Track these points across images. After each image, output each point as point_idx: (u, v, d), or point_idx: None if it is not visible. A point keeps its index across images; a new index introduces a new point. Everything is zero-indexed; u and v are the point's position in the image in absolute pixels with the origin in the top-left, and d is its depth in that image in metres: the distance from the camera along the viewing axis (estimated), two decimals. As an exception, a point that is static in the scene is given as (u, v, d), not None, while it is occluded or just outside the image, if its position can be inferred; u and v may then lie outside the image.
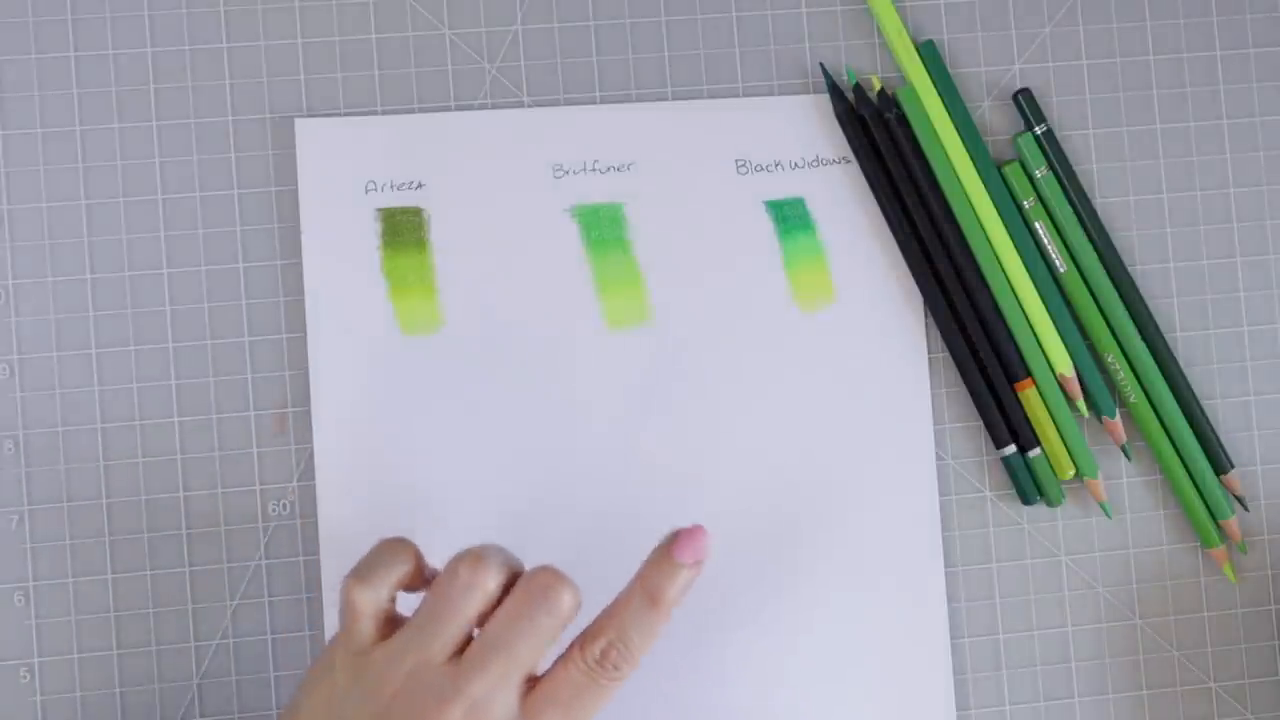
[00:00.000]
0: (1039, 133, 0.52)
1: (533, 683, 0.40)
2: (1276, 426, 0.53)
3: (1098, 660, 0.52)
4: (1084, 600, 0.52)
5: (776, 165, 0.51)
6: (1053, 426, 0.51)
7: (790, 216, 0.51)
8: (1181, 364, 0.52)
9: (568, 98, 0.51)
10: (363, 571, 0.41)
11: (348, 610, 0.41)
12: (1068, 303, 0.52)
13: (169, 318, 0.50)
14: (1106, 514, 0.52)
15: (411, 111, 0.51)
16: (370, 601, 0.41)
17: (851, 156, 0.51)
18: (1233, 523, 0.52)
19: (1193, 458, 0.51)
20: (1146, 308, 0.52)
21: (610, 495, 0.50)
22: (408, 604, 0.42)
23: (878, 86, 0.51)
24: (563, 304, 0.51)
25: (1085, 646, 0.52)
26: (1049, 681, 0.52)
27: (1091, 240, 0.52)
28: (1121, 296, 0.52)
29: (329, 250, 0.50)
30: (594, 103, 0.51)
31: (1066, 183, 0.52)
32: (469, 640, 0.40)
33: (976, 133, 0.51)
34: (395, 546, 0.42)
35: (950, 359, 0.51)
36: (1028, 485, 0.51)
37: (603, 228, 0.51)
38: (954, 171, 0.51)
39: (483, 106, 0.51)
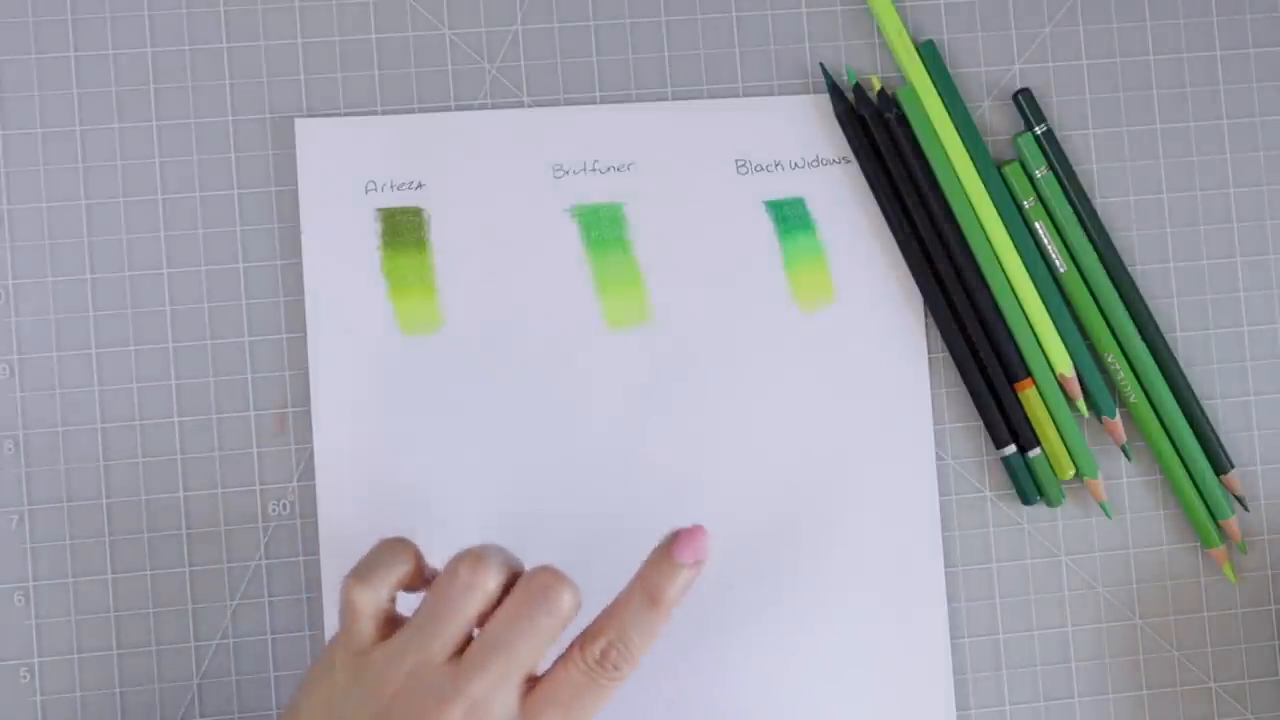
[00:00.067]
0: (1039, 133, 0.52)
1: (533, 683, 0.40)
2: (1276, 426, 0.53)
3: (1098, 660, 0.52)
4: (1084, 600, 0.52)
5: (776, 165, 0.51)
6: (1053, 426, 0.51)
7: (790, 216, 0.51)
8: (1181, 364, 0.52)
9: (568, 98, 0.51)
10: (363, 571, 0.41)
11: (347, 610, 0.41)
12: (1068, 303, 0.52)
13: (169, 318, 0.50)
14: (1106, 514, 0.52)
15: (411, 111, 0.51)
16: (370, 601, 0.41)
17: (851, 156, 0.51)
18: (1233, 523, 0.52)
19: (1193, 458, 0.51)
20: (1146, 308, 0.52)
21: (610, 495, 0.50)
22: (408, 604, 0.42)
23: (878, 86, 0.51)
24: (563, 304, 0.51)
25: (1085, 646, 0.52)
26: (1049, 681, 0.52)
27: (1091, 240, 0.52)
28: (1121, 296, 0.52)
29: (329, 250, 0.50)
30: (594, 103, 0.51)
31: (1066, 183, 0.52)
32: (469, 640, 0.40)
33: (976, 133, 0.51)
34: (395, 546, 0.42)
35: (950, 359, 0.51)
36: (1028, 485, 0.51)
37: (603, 228, 0.51)
38: (954, 171, 0.51)
39: (483, 106, 0.51)
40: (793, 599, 0.50)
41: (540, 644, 0.40)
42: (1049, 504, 0.52)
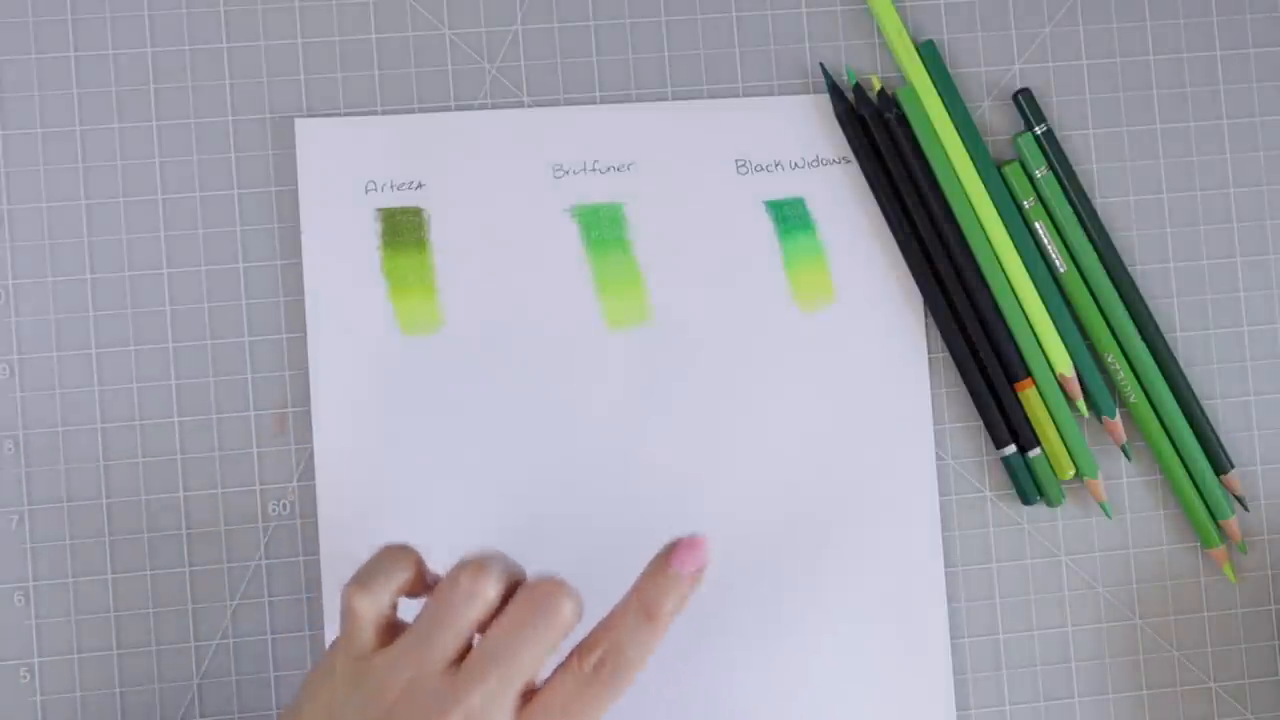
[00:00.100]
0: (1039, 133, 0.52)
1: (530, 693, 0.40)
2: (1276, 426, 0.53)
3: (1098, 660, 0.52)
4: (1084, 600, 0.52)
5: (776, 165, 0.51)
6: (1053, 426, 0.51)
7: (790, 216, 0.51)
8: (1181, 364, 0.52)
9: (568, 98, 0.51)
10: (363, 578, 0.41)
11: (348, 616, 0.41)
12: (1068, 303, 0.52)
13: (169, 318, 0.50)
14: (1106, 514, 0.52)
15: (411, 111, 0.51)
16: (370, 608, 0.40)
17: (851, 156, 0.51)
18: (1233, 523, 0.52)
19: (1193, 458, 0.51)
20: (1146, 308, 0.52)
21: (610, 495, 0.50)
22: (409, 609, 0.42)
23: (878, 86, 0.51)
24: (563, 304, 0.51)
25: (1085, 646, 0.52)
26: (1049, 681, 0.52)
27: (1091, 240, 0.52)
28: (1121, 296, 0.52)
29: (329, 250, 0.50)
30: (594, 103, 0.51)
31: (1066, 183, 0.52)
32: (469, 648, 0.40)
33: (976, 133, 0.51)
34: (396, 553, 0.42)
35: (950, 359, 0.51)
36: (1028, 485, 0.51)
37: (603, 228, 0.51)
38: (954, 171, 0.51)
39: (483, 106, 0.51)
40: (793, 599, 0.50)
41: (540, 654, 0.39)
42: (1049, 504, 0.52)
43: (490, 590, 0.40)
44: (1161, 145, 0.53)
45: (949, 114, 0.51)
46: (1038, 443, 0.51)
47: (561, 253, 0.51)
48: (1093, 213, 0.52)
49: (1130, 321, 0.51)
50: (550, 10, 0.52)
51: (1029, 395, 0.51)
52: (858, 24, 0.52)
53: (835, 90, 0.51)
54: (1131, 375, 0.51)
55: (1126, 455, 0.52)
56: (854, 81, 0.52)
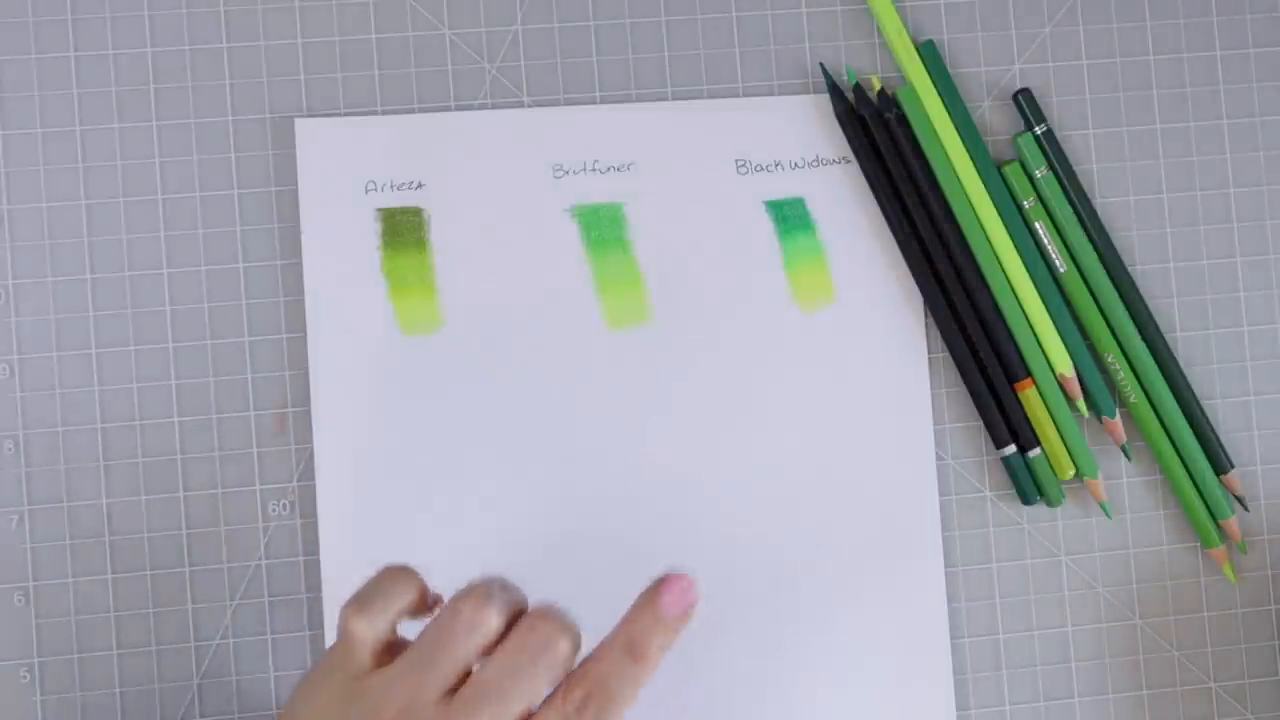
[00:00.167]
0: (1039, 133, 0.52)
1: None
2: (1276, 426, 0.53)
3: (1098, 660, 0.52)
4: (1084, 600, 0.52)
5: (776, 165, 0.51)
6: (1053, 426, 0.51)
7: (790, 216, 0.51)
8: (1181, 364, 0.52)
9: (568, 98, 0.51)
10: (362, 600, 0.40)
11: (345, 639, 0.40)
12: (1068, 303, 0.52)
13: (169, 318, 0.50)
14: (1106, 514, 0.52)
15: (411, 111, 0.51)
16: (368, 631, 0.40)
17: (851, 156, 0.51)
18: (1233, 523, 0.52)
19: (1193, 458, 0.51)
20: (1146, 308, 0.52)
21: (610, 495, 0.50)
22: (409, 627, 0.42)
23: (878, 86, 0.51)
24: (563, 304, 0.51)
25: (1085, 646, 0.52)
26: (1049, 681, 0.52)
27: (1091, 240, 0.52)
28: (1121, 296, 0.52)
29: (329, 250, 0.50)
30: (594, 103, 0.51)
31: (1066, 183, 0.52)
32: (466, 675, 0.40)
33: (976, 133, 0.51)
34: (397, 575, 0.41)
35: (950, 359, 0.51)
36: (1028, 485, 0.51)
37: (603, 228, 0.51)
38: (954, 171, 0.51)
39: (483, 106, 0.51)
40: (792, 598, 0.50)
41: (535, 690, 0.39)
42: (1049, 504, 0.52)
43: (492, 620, 0.39)
44: (1161, 145, 0.53)
45: (949, 114, 0.51)
46: (1038, 443, 0.51)
47: (561, 253, 0.51)
48: (1093, 213, 0.52)
49: (1130, 321, 0.51)
50: (550, 10, 0.52)
51: (1029, 395, 0.51)
52: (858, 24, 0.52)
53: (835, 90, 0.51)
54: (1131, 375, 0.51)
55: (1126, 455, 0.52)
56: (854, 81, 0.52)
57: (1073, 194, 0.52)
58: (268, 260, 0.50)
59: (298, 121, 0.50)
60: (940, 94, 0.51)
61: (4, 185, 0.50)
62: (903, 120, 0.51)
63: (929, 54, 0.51)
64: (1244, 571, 0.53)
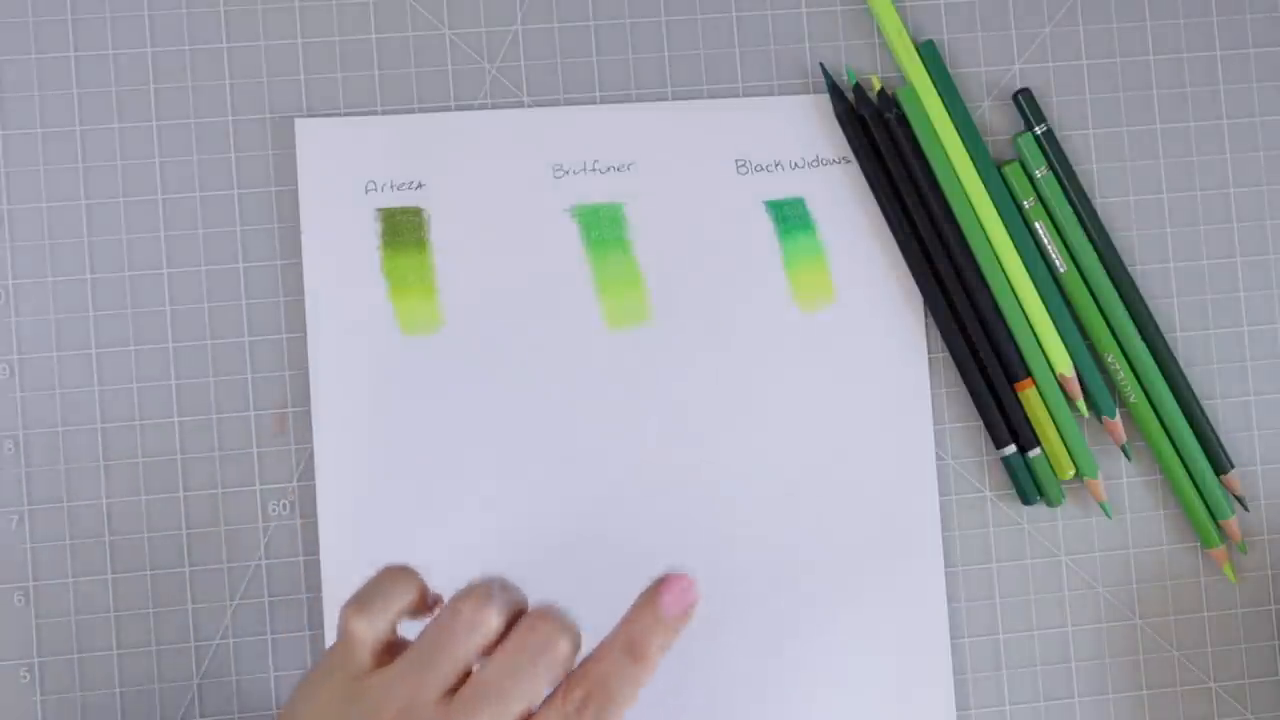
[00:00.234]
0: (1039, 133, 0.52)
1: None
2: (1276, 426, 0.53)
3: (1098, 660, 0.52)
4: (1084, 600, 0.52)
5: (776, 165, 0.51)
6: (1053, 426, 0.51)
7: (790, 216, 0.51)
8: (1181, 364, 0.52)
9: (568, 98, 0.51)
10: (362, 600, 0.40)
11: (346, 639, 0.40)
12: (1068, 303, 0.52)
13: (169, 318, 0.50)
14: (1106, 514, 0.52)
15: (411, 111, 0.51)
16: (368, 631, 0.40)
17: (851, 156, 0.51)
18: (1233, 523, 0.52)
19: (1193, 458, 0.51)
20: (1146, 308, 0.52)
21: (610, 495, 0.50)
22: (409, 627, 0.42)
23: (878, 86, 0.51)
24: (563, 304, 0.51)
25: (1085, 646, 0.52)
26: (1049, 681, 0.52)
27: (1091, 240, 0.52)
28: (1121, 296, 0.52)
29: (329, 250, 0.50)
30: (594, 103, 0.51)
31: (1066, 183, 0.52)
32: (466, 675, 0.40)
33: (976, 133, 0.51)
34: (397, 575, 0.41)
35: (950, 359, 0.51)
36: (1028, 485, 0.51)
37: (603, 228, 0.51)
38: (954, 171, 0.51)
39: (483, 106, 0.51)
40: (792, 598, 0.50)
41: (535, 691, 0.39)
42: (1049, 504, 0.52)
43: (492, 621, 0.39)
44: (1161, 145, 0.53)
45: (949, 114, 0.51)
46: (1038, 443, 0.51)
47: (561, 253, 0.51)
48: (1093, 213, 0.52)
49: (1130, 321, 0.52)
50: (550, 10, 0.52)
51: (1029, 395, 0.51)
52: (858, 24, 0.52)
53: (835, 90, 0.51)
54: (1131, 375, 0.51)
55: (1126, 455, 0.52)
56: (854, 81, 0.52)
57: (1073, 194, 0.52)
58: (268, 260, 0.50)
59: (298, 121, 0.50)
60: (940, 94, 0.51)
61: (4, 185, 0.50)
62: (903, 120, 0.51)
63: (929, 54, 0.51)
64: (1244, 571, 0.53)
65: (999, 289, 0.51)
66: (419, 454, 0.50)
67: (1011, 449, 0.51)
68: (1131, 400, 0.51)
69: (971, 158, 0.51)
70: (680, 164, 0.51)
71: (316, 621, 0.50)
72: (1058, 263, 0.51)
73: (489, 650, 0.39)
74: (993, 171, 0.51)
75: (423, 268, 0.50)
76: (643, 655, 0.39)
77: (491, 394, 0.50)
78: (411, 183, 0.50)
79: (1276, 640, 0.53)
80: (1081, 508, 0.52)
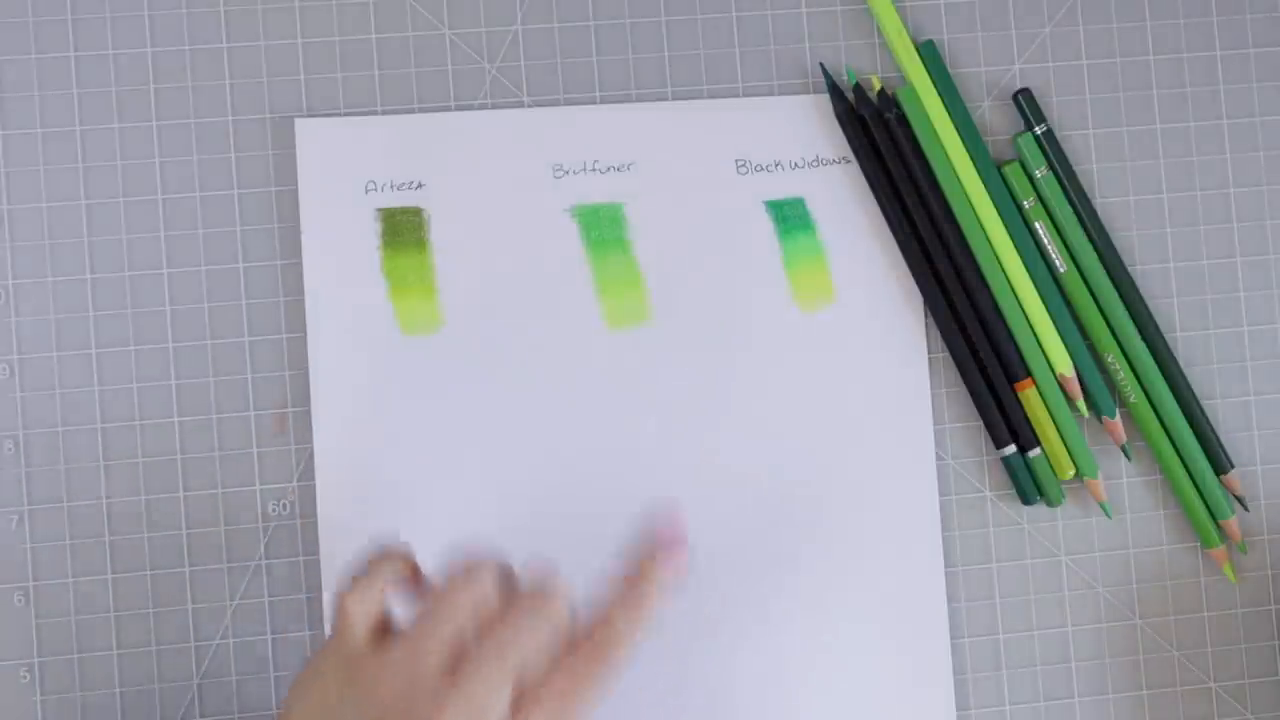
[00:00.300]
0: (1039, 133, 0.52)
1: (524, 688, 0.40)
2: (1276, 426, 0.53)
3: (1098, 660, 0.52)
4: (1084, 600, 0.52)
5: (776, 165, 0.51)
6: (1053, 426, 0.51)
7: (790, 216, 0.51)
8: (1181, 364, 0.52)
9: (568, 98, 0.51)
10: (355, 578, 0.41)
11: (340, 616, 0.41)
12: (1068, 303, 0.52)
13: (169, 318, 0.50)
14: (1106, 514, 0.52)
15: (411, 111, 0.51)
16: (361, 608, 0.40)
17: (851, 156, 0.51)
18: (1233, 523, 0.52)
19: (1193, 458, 0.51)
20: (1146, 308, 0.52)
21: (610, 495, 0.50)
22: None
23: (878, 86, 0.51)
24: (563, 304, 0.51)
25: (1085, 646, 0.52)
26: (1049, 681, 0.52)
27: (1091, 240, 0.52)
28: (1121, 296, 0.52)
29: (329, 250, 0.50)
30: (594, 103, 0.51)
31: (1066, 183, 0.52)
32: (464, 646, 0.40)
33: (976, 133, 0.51)
34: (389, 552, 0.42)
35: (950, 359, 0.51)
36: (1028, 485, 0.51)
37: (603, 228, 0.51)
38: (954, 171, 0.51)
39: (483, 106, 0.51)
40: (793, 599, 0.50)
41: (535, 649, 0.40)
42: (1049, 504, 0.52)
43: (487, 588, 0.40)
44: (1161, 145, 0.53)
45: (949, 114, 0.51)
46: (1038, 443, 0.51)
47: (561, 253, 0.51)
48: (1093, 213, 0.52)
49: (1130, 321, 0.52)
50: (550, 10, 0.52)
51: (1029, 395, 0.51)
52: (858, 24, 0.52)
53: (835, 90, 0.51)
54: (1131, 375, 0.51)
55: (1126, 455, 0.52)
56: (854, 81, 0.52)
57: (1073, 194, 0.52)
58: (268, 260, 0.50)
59: (298, 121, 0.50)
60: (940, 94, 0.51)
61: (4, 185, 0.50)
62: (903, 120, 0.51)
63: (929, 54, 0.51)
64: (1244, 571, 0.53)
65: (999, 289, 0.51)
66: (419, 454, 0.50)
67: (1011, 449, 0.51)
68: (1131, 400, 0.51)
69: (971, 158, 0.51)
70: (680, 164, 0.51)
71: (316, 621, 0.50)
72: (1058, 263, 0.51)
73: (485, 618, 0.40)
74: (993, 171, 0.51)
75: (423, 268, 0.50)
76: (645, 595, 0.41)
77: (491, 394, 0.50)
78: (411, 183, 0.50)
79: (1276, 640, 0.53)
80: (1081, 508, 0.52)
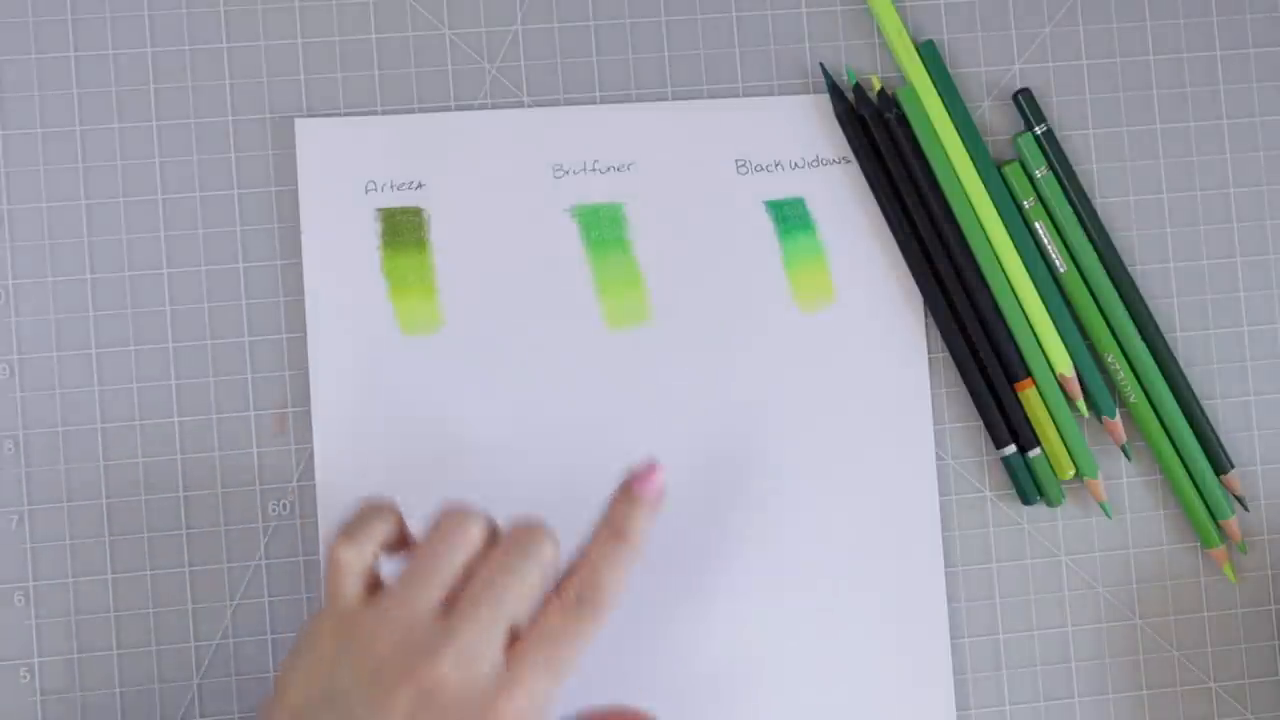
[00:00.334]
0: (1039, 133, 0.52)
1: (515, 635, 0.41)
2: (1276, 426, 0.53)
3: (1098, 660, 0.52)
4: (1084, 600, 0.52)
5: (776, 165, 0.51)
6: (1053, 426, 0.51)
7: (790, 216, 0.51)
8: (1181, 364, 0.52)
9: (568, 98, 0.51)
10: (347, 531, 0.42)
11: (333, 570, 0.41)
12: (1068, 303, 0.52)
13: (169, 318, 0.50)
14: (1106, 514, 0.52)
15: (411, 111, 0.51)
16: (356, 559, 0.41)
17: (851, 156, 0.51)
18: (1233, 523, 0.52)
19: (1193, 458, 0.51)
20: (1146, 308, 0.52)
21: (609, 495, 0.50)
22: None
23: (878, 86, 0.51)
24: (563, 304, 0.51)
25: (1085, 646, 0.52)
26: (1049, 681, 0.52)
27: (1091, 240, 0.52)
28: (1121, 296, 0.52)
29: (329, 250, 0.50)
30: (594, 103, 0.51)
31: (1066, 183, 0.52)
32: (455, 593, 0.41)
33: (976, 133, 0.51)
34: (379, 506, 0.43)
35: (950, 359, 0.51)
36: (1028, 485, 0.51)
37: (603, 228, 0.51)
38: (954, 171, 0.51)
39: (483, 106, 0.51)
40: (793, 598, 0.50)
41: (526, 593, 0.40)
42: (1049, 504, 0.52)
43: (474, 534, 0.41)
44: (1161, 145, 0.53)
45: (949, 114, 0.51)
46: (1038, 443, 0.51)
47: (561, 253, 0.51)
48: (1093, 213, 0.52)
49: (1130, 321, 0.51)
50: (550, 10, 0.52)
51: (1029, 395, 0.51)
52: (858, 24, 0.52)
53: (835, 90, 0.51)
54: (1131, 375, 0.51)
55: (1126, 455, 0.52)
56: (854, 81, 0.52)
57: (1073, 194, 0.52)
58: (268, 260, 0.50)
59: (298, 121, 0.50)
60: (940, 94, 0.51)
61: (4, 185, 0.50)
62: (903, 120, 0.51)
63: (929, 54, 0.51)
64: (1244, 571, 0.53)
65: (999, 289, 0.51)
66: (419, 454, 0.50)
67: (1011, 449, 0.51)
68: (1131, 400, 0.51)
69: (971, 158, 0.51)
70: (680, 164, 0.51)
71: (316, 621, 0.50)
72: (1058, 263, 0.51)
73: (474, 563, 0.41)
74: (993, 171, 0.51)
75: (423, 268, 0.50)
76: (627, 536, 0.42)
77: (491, 394, 0.50)
78: (411, 183, 0.50)
79: (1276, 640, 0.53)
80: (1081, 508, 0.52)
